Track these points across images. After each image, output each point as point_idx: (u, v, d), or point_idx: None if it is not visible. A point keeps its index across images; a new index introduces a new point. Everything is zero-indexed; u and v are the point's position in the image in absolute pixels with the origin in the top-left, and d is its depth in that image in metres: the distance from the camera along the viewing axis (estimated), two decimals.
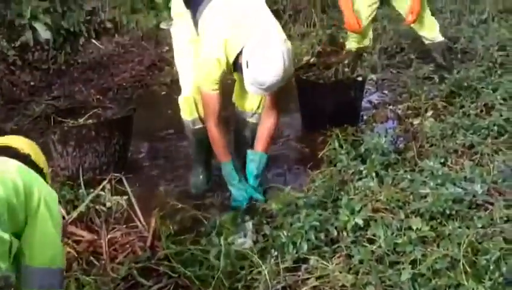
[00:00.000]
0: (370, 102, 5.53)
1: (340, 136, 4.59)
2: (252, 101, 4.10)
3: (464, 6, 7.47)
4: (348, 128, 4.80)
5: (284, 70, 3.39)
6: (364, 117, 5.12)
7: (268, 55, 3.37)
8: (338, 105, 4.93)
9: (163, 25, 6.42)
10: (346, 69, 5.12)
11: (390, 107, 5.34)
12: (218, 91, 3.72)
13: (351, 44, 5.72)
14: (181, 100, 4.16)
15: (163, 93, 5.78)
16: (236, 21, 3.62)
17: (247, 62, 3.41)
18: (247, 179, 3.85)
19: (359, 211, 3.34)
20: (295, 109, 5.22)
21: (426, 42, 5.66)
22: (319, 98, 4.98)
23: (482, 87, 5.27)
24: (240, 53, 3.49)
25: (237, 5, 3.77)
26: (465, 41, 6.36)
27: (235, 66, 3.61)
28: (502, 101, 4.99)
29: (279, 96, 3.81)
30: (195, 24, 3.86)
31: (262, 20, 3.67)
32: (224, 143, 3.81)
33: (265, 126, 3.88)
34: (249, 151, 3.91)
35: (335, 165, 4.19)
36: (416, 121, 4.94)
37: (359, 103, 5.19)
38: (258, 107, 4.08)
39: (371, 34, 5.67)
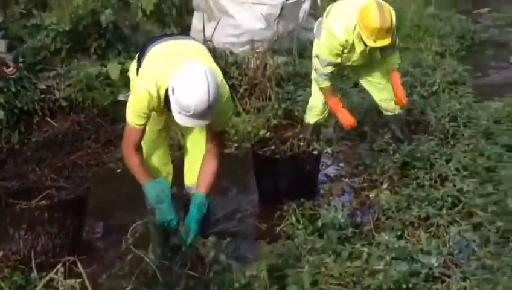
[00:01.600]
0: (326, 175, 5.55)
1: (297, 210, 4.60)
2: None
3: (415, 78, 7.64)
4: (305, 202, 4.79)
5: (209, 96, 3.33)
6: (321, 191, 5.12)
7: (192, 78, 3.35)
8: (294, 179, 4.95)
9: (121, 97, 6.46)
10: (302, 143, 5.16)
11: (346, 180, 5.38)
12: (143, 128, 3.68)
13: (311, 118, 5.79)
14: None
15: (118, 170, 5.72)
16: (168, 58, 3.65)
17: (172, 89, 3.39)
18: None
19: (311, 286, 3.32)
20: (252, 184, 5.21)
21: (385, 113, 5.75)
22: (276, 173, 4.99)
23: (436, 158, 5.36)
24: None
25: (174, 46, 3.83)
26: (418, 113, 6.48)
27: (169, 105, 3.55)
28: (455, 172, 5.09)
29: (221, 138, 3.82)
30: None
31: (194, 54, 3.71)
32: (142, 167, 3.74)
33: (208, 168, 3.81)
34: (195, 195, 3.83)
35: (292, 240, 4.17)
36: (372, 194, 4.99)
37: (315, 177, 5.21)
38: None
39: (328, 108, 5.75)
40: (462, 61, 9.15)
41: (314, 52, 5.53)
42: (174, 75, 3.41)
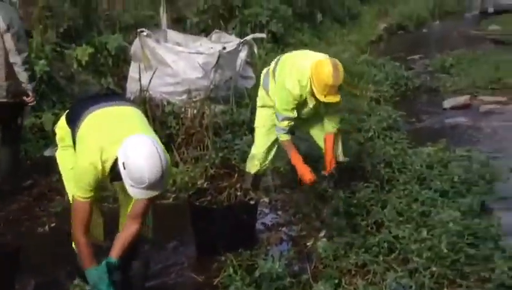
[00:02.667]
0: (264, 224, 5.54)
1: (234, 261, 4.56)
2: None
3: (351, 124, 7.76)
4: (243, 252, 4.77)
5: (162, 167, 3.36)
6: (259, 240, 5.10)
7: (143, 151, 3.36)
8: (232, 230, 4.92)
9: (47, 152, 6.33)
10: (239, 193, 5.15)
11: (284, 228, 5.38)
12: (90, 200, 3.64)
13: (252, 168, 5.79)
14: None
15: (52, 224, 5.59)
16: (111, 129, 3.63)
17: (123, 163, 3.37)
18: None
19: None
20: (189, 235, 5.15)
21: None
22: (213, 224, 4.95)
23: (372, 205, 5.43)
24: (116, 161, 3.46)
25: (112, 115, 3.80)
26: (354, 160, 6.56)
27: (115, 176, 3.54)
28: (390, 218, 5.16)
29: (149, 206, 3.77)
30: (74, 142, 3.83)
31: (136, 125, 3.70)
32: (89, 251, 3.70)
33: (127, 233, 3.78)
34: (107, 260, 3.76)
35: None
36: (309, 242, 5.00)
37: (253, 226, 5.20)
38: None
39: (271, 158, 5.76)
40: (396, 107, 9.40)
41: (259, 101, 5.61)
42: (122, 150, 3.41)
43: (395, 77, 11.52)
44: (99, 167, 3.53)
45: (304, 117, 5.42)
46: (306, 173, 5.23)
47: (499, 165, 6.59)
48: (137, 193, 3.45)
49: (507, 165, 6.69)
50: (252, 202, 5.11)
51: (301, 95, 5.09)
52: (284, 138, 5.32)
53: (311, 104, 5.15)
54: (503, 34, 17.85)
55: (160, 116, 7.02)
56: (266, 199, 5.76)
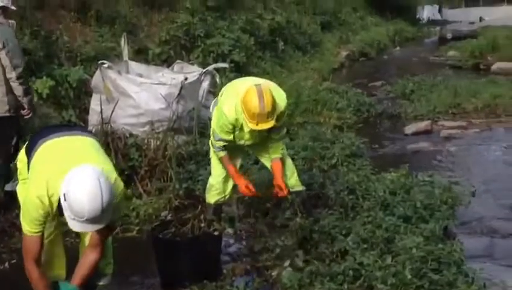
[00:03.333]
0: (229, 255, 5.50)
1: None
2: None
3: (315, 152, 7.79)
4: (208, 284, 4.73)
5: (103, 201, 3.31)
6: (224, 271, 5.05)
7: (85, 183, 3.31)
8: (196, 261, 4.87)
9: (8, 187, 6.21)
10: (203, 224, 5.12)
11: (249, 259, 5.35)
12: (40, 234, 3.61)
13: (211, 198, 5.77)
14: None
15: (13, 261, 5.47)
16: (59, 160, 3.59)
17: (64, 195, 3.33)
18: None
19: None
20: (153, 268, 5.09)
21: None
22: (177, 256, 4.90)
23: (336, 232, 5.43)
24: None
25: (62, 146, 3.77)
26: (318, 187, 6.58)
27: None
28: (355, 245, 5.16)
29: (106, 235, 3.76)
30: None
31: (86, 156, 3.66)
32: (45, 283, 3.69)
33: (87, 261, 3.76)
34: (62, 284, 3.79)
35: None
36: (274, 272, 4.97)
37: (217, 257, 5.16)
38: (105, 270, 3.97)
39: (230, 188, 5.74)
40: (359, 133, 9.48)
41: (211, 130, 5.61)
42: (65, 181, 3.36)
43: (358, 104, 11.67)
44: (46, 202, 3.48)
45: (249, 143, 5.46)
46: (241, 184, 5.37)
47: (460, 190, 6.68)
48: (76, 226, 3.40)
49: (468, 189, 6.79)
50: (216, 233, 5.08)
51: (237, 119, 5.13)
52: (220, 154, 5.42)
53: (246, 129, 5.17)
54: (461, 60, 18.23)
55: (122, 149, 6.96)
56: (230, 230, 5.73)
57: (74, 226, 3.40)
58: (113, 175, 3.64)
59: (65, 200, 3.33)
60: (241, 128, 5.22)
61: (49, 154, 3.69)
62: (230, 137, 5.27)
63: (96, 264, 3.78)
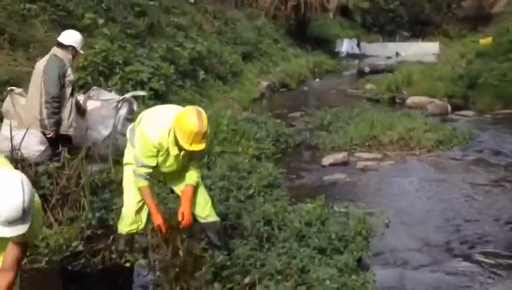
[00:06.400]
0: (142, 287, 5.36)
1: None
2: None
3: (232, 182, 7.75)
4: None
5: (24, 198, 3.18)
6: None
7: (6, 185, 3.18)
8: None
9: None
10: (114, 255, 4.98)
11: None
12: None
13: (123, 228, 5.62)
14: None
15: None
16: None
17: None
18: None
19: None
20: None
21: (201, 221, 5.70)
22: (86, 289, 4.74)
23: (250, 263, 5.39)
24: None
25: None
26: (234, 217, 6.54)
27: None
28: (269, 276, 5.14)
29: (22, 254, 3.61)
30: None
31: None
32: None
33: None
34: None
35: None
36: None
37: None
38: None
39: (145, 217, 5.61)
40: (277, 164, 9.53)
41: (125, 158, 5.50)
42: None
43: (276, 134, 11.75)
44: None
45: (167, 171, 5.40)
46: (157, 219, 5.29)
47: (374, 221, 6.79)
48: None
49: (382, 221, 6.90)
50: (127, 264, 4.94)
51: (160, 143, 5.08)
52: (142, 184, 5.28)
53: (173, 153, 5.12)
54: (378, 93, 18.70)
55: (33, 177, 6.72)
56: (143, 261, 5.57)
57: None
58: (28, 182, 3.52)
59: None
60: (167, 153, 5.16)
61: None
62: (154, 162, 5.17)
63: (11, 287, 3.59)
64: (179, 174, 5.51)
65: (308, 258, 5.50)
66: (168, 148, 5.12)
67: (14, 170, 3.38)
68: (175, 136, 4.99)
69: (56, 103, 7.21)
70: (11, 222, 3.21)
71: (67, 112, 7.38)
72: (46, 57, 7.39)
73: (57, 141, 7.30)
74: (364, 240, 6.23)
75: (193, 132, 4.86)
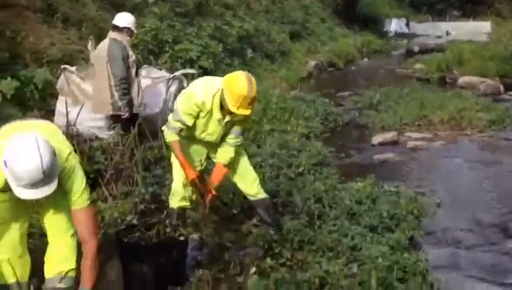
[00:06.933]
0: (194, 261, 5.42)
1: None
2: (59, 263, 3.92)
3: (282, 160, 7.78)
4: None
5: (42, 160, 3.24)
6: (189, 277, 4.98)
7: (22, 147, 3.26)
8: (161, 266, 4.81)
9: None
10: (168, 229, 5.06)
11: (214, 265, 5.29)
12: None
13: (174, 203, 5.70)
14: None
15: None
16: (8, 133, 3.53)
17: (5, 162, 3.27)
18: None
19: None
20: (117, 273, 5.01)
21: (250, 199, 5.76)
22: (142, 261, 4.83)
23: (302, 240, 5.42)
24: None
25: (18, 124, 3.73)
26: (284, 195, 6.57)
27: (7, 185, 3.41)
28: (321, 253, 5.16)
29: (88, 219, 3.74)
30: None
31: (33, 128, 3.58)
32: None
33: (89, 258, 3.72)
34: None
35: None
36: (240, 279, 4.94)
37: (183, 263, 5.09)
38: (68, 272, 3.88)
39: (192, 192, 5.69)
40: (326, 142, 9.50)
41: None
42: (6, 149, 3.29)
43: (325, 113, 11.71)
44: None
45: (207, 141, 5.42)
46: (190, 173, 5.34)
47: (426, 201, 6.74)
48: (22, 193, 3.32)
49: (434, 200, 6.84)
50: (181, 238, 5.02)
51: (204, 103, 5.08)
52: (172, 138, 5.30)
53: (216, 116, 5.14)
54: (427, 73, 18.43)
55: (88, 152, 6.86)
56: (196, 236, 5.65)
57: (20, 193, 3.31)
58: (66, 151, 3.62)
59: (6, 167, 3.26)
60: (209, 116, 5.17)
61: (5, 130, 3.63)
62: (191, 121, 5.17)
63: (95, 255, 3.73)
64: (218, 147, 5.55)
65: (359, 236, 5.50)
66: (211, 110, 5.12)
67: (29, 133, 3.41)
68: (221, 100, 5.03)
69: (124, 84, 7.38)
70: (34, 184, 3.28)
71: (136, 92, 7.57)
72: (105, 42, 7.54)
73: (130, 121, 7.44)
74: (415, 219, 6.19)
75: (242, 94, 4.86)
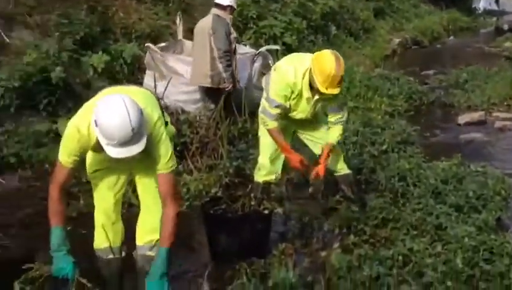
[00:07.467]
0: (278, 234, 5.51)
1: (248, 270, 4.53)
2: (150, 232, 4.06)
3: (365, 137, 7.73)
4: (256, 261, 4.74)
5: (130, 118, 3.34)
6: (273, 250, 5.05)
7: (111, 106, 3.37)
8: (246, 238, 4.90)
9: None
10: (253, 202, 5.14)
11: (298, 239, 5.35)
12: (72, 166, 3.67)
13: (259, 177, 5.78)
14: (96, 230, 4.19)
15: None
16: (105, 94, 3.67)
17: (95, 122, 3.39)
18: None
19: None
20: (203, 243, 5.14)
21: (334, 174, 5.78)
22: (227, 232, 4.93)
23: (386, 218, 5.40)
24: None
25: (117, 88, 3.92)
26: (368, 172, 6.54)
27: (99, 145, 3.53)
28: (405, 231, 5.13)
29: (171, 182, 3.84)
30: None
31: (128, 92, 3.71)
32: (60, 209, 3.74)
33: (166, 219, 3.81)
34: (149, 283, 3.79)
35: None
36: (323, 253, 4.97)
37: (267, 236, 5.17)
38: (158, 241, 4.01)
39: (280, 167, 5.75)
40: (410, 121, 9.36)
41: (261, 108, 5.58)
42: (95, 109, 3.43)
43: (409, 92, 11.50)
44: (85, 132, 3.54)
45: (298, 118, 5.43)
46: (293, 158, 5.38)
47: None
48: (113, 152, 3.43)
49: None
50: (266, 212, 5.09)
51: (295, 83, 5.09)
52: (272, 125, 5.33)
53: (306, 95, 5.13)
54: None
55: (175, 124, 7.01)
56: (280, 209, 5.71)
57: (110, 152, 3.43)
58: (156, 114, 3.74)
59: (96, 126, 3.39)
60: (299, 97, 5.19)
61: (101, 94, 3.78)
62: (287, 104, 5.20)
63: (174, 217, 3.84)
64: (309, 123, 5.56)
65: (445, 215, 5.42)
66: (301, 90, 5.13)
67: (117, 93, 3.54)
68: (310, 79, 5.03)
69: (228, 57, 7.72)
70: (124, 142, 3.39)
71: (234, 67, 7.91)
72: (209, 17, 7.87)
73: (221, 95, 7.67)
74: (503, 200, 6.03)
75: (330, 74, 4.84)
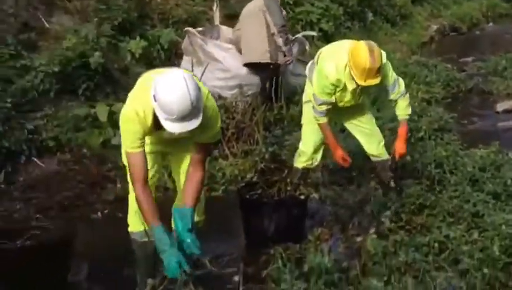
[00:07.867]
0: (314, 219, 5.52)
1: (283, 254, 4.57)
2: None
3: None
4: (292, 246, 4.78)
5: (190, 94, 3.35)
6: (308, 235, 5.08)
7: (170, 81, 3.38)
8: (281, 223, 4.95)
9: (115, 141, 6.39)
10: (289, 187, 5.17)
11: (333, 224, 5.37)
12: (141, 149, 3.66)
13: (299, 163, 5.81)
14: (130, 213, 4.18)
15: (105, 211, 5.70)
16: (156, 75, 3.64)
17: (154, 96, 3.41)
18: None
19: None
20: (238, 227, 5.19)
21: (373, 160, 5.78)
22: (263, 217, 4.98)
23: (422, 204, 5.39)
24: None
25: (162, 69, 3.87)
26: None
27: (158, 124, 3.54)
28: (441, 218, 5.12)
29: (205, 153, 3.88)
30: None
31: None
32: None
33: (193, 181, 3.83)
34: (176, 208, 3.87)
35: (279, 285, 4.15)
36: (359, 239, 4.99)
37: (302, 221, 5.20)
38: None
39: (320, 156, 5.77)
40: (448, 108, 9.26)
41: (305, 96, 5.61)
42: (154, 84, 3.44)
43: (447, 79, 11.35)
44: (142, 114, 3.56)
45: (344, 105, 5.43)
46: (338, 154, 5.45)
47: None
48: (172, 127, 3.43)
49: None
50: (302, 197, 5.11)
51: (338, 80, 5.12)
52: (321, 120, 5.38)
53: (350, 87, 5.14)
54: None
55: None
56: (316, 195, 5.74)
57: (168, 126, 3.43)
58: (205, 89, 3.76)
59: (155, 101, 3.41)
60: (344, 89, 5.20)
61: (148, 76, 3.79)
62: (332, 99, 5.24)
63: (202, 182, 3.86)
64: (357, 109, 5.59)
65: (482, 203, 5.38)
66: (345, 83, 5.15)
67: (179, 70, 3.57)
68: (350, 72, 5.04)
69: (285, 31, 7.99)
70: (183, 117, 3.39)
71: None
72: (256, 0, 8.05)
73: (277, 73, 7.93)
74: None
75: (366, 67, 4.86)
